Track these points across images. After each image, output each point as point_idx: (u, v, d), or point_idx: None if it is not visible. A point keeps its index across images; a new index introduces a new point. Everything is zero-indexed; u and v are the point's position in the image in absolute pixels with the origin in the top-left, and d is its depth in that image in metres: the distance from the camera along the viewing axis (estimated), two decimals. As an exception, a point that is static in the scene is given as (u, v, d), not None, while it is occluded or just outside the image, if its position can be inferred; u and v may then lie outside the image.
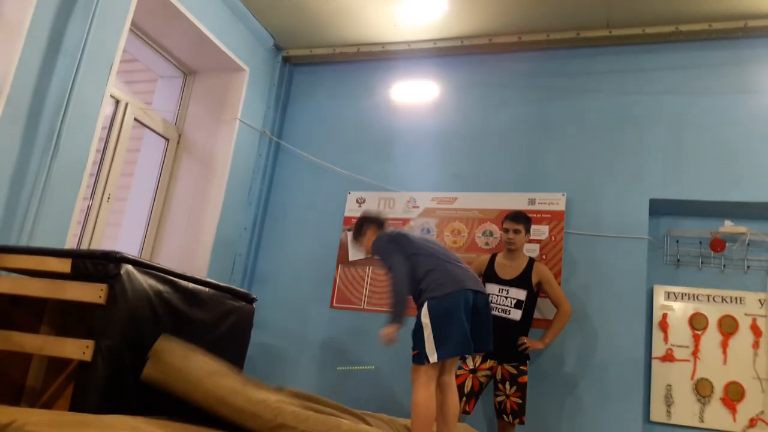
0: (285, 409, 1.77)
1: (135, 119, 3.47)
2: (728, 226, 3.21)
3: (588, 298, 3.20)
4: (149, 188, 3.74)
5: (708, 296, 3.22)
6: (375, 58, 4.09)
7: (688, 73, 3.41)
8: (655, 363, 3.20)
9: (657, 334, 3.24)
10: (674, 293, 3.28)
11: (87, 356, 1.86)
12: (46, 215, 2.56)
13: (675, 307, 3.26)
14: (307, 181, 4.03)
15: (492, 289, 2.99)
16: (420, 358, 2.20)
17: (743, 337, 3.12)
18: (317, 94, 4.23)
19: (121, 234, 3.73)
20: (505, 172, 3.59)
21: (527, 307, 2.97)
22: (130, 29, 3.23)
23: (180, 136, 3.88)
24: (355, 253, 3.76)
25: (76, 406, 1.84)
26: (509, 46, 3.77)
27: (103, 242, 3.22)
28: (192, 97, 3.96)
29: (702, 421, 3.06)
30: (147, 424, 1.65)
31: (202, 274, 3.28)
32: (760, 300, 3.14)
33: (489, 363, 2.91)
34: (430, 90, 3.94)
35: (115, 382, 1.91)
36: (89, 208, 3.16)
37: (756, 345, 3.09)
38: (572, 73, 3.63)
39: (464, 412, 2.87)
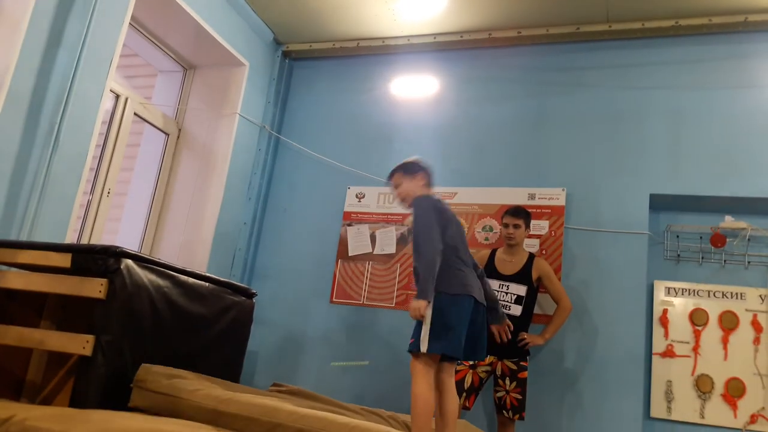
0: (281, 408, 1.77)
1: (135, 114, 3.46)
2: (729, 221, 3.21)
3: (588, 293, 3.20)
4: (149, 183, 3.73)
5: (708, 292, 3.22)
6: (375, 53, 4.07)
7: (688, 67, 3.39)
8: (655, 359, 3.20)
9: (657, 330, 3.24)
10: (674, 289, 3.28)
11: (87, 351, 1.86)
12: (46, 210, 2.56)
13: (675, 302, 3.26)
14: (307, 176, 4.03)
15: (492, 284, 2.97)
16: (414, 346, 2.17)
17: (744, 332, 3.11)
18: (317, 89, 4.22)
19: (121, 229, 3.73)
20: (504, 167, 3.58)
21: (527, 302, 2.97)
22: (130, 24, 3.22)
23: (180, 130, 3.88)
24: (355, 247, 3.76)
25: (76, 401, 1.85)
26: (509, 41, 3.76)
27: (103, 237, 3.22)
28: (192, 91, 3.95)
29: (702, 418, 3.06)
30: (147, 419, 1.65)
31: (201, 269, 3.28)
32: (760, 296, 3.14)
33: (489, 359, 2.91)
34: (429, 85, 3.93)
35: (115, 377, 1.91)
36: (89, 202, 3.16)
37: (757, 341, 3.09)
38: (572, 67, 3.62)
39: (464, 407, 2.87)
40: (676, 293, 3.27)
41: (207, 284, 2.40)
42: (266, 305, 3.68)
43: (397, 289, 3.59)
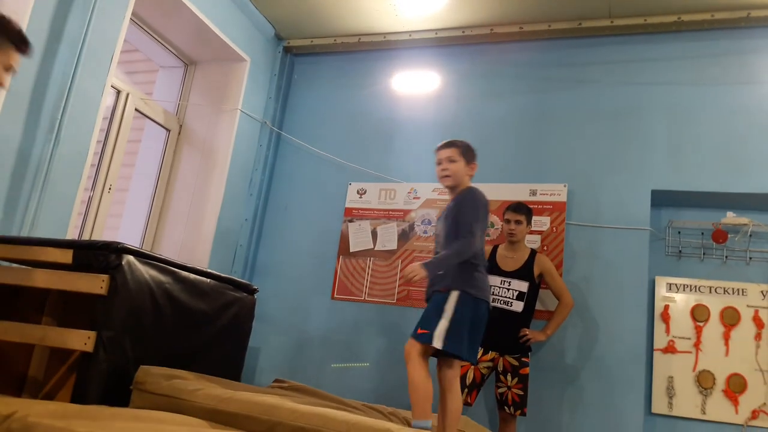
0: (281, 406, 1.77)
1: (136, 110, 3.46)
2: (730, 217, 3.20)
3: (589, 289, 3.20)
4: (150, 179, 3.73)
5: (710, 288, 3.22)
6: (376, 49, 4.06)
7: (691, 63, 3.38)
8: (656, 355, 3.20)
9: (659, 326, 3.24)
10: (676, 285, 3.27)
11: (89, 347, 1.86)
12: (47, 206, 2.56)
13: (677, 298, 3.26)
14: (308, 172, 4.03)
15: (494, 280, 2.98)
16: (426, 337, 2.10)
17: (745, 328, 3.11)
18: (318, 85, 4.21)
19: (122, 225, 3.73)
20: (506, 163, 3.57)
21: (529, 298, 2.97)
22: (131, 19, 3.21)
23: (181, 126, 3.87)
24: (356, 244, 3.76)
25: (77, 397, 1.85)
26: (510, 36, 3.75)
27: (104, 233, 3.22)
28: (193, 87, 3.94)
29: (704, 413, 3.06)
30: (149, 415, 1.66)
31: (203, 265, 3.28)
32: (762, 291, 3.13)
33: (491, 354, 2.92)
34: (431, 80, 3.92)
35: (117, 373, 1.91)
36: (90, 199, 3.16)
37: (758, 337, 3.08)
38: (574, 63, 3.61)
39: (466, 403, 2.87)
40: (678, 289, 3.27)
41: (208, 280, 2.41)
42: (267, 302, 3.69)
43: (399, 285, 3.59)
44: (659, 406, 3.14)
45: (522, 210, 3.06)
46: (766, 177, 3.09)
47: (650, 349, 3.20)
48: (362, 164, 3.86)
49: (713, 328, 3.16)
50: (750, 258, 3.20)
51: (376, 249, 3.71)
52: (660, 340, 3.22)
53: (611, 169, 3.36)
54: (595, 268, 3.22)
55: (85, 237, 3.10)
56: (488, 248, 3.16)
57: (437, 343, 2.09)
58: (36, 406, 1.55)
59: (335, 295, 3.70)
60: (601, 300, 3.17)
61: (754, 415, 2.99)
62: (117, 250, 2.00)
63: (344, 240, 3.79)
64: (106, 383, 1.88)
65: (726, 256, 3.24)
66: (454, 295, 2.15)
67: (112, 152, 3.27)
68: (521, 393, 2.86)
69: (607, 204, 3.32)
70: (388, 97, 3.98)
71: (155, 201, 3.71)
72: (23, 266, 2.21)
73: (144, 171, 3.79)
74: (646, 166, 3.30)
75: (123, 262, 1.99)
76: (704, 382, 3.10)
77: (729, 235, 3.22)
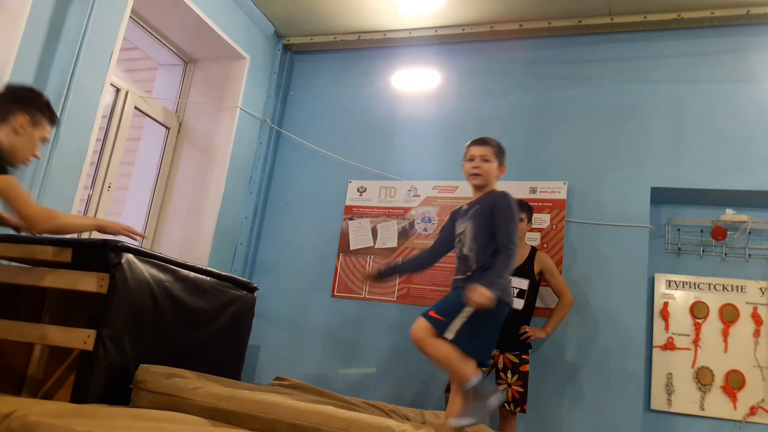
0: (281, 404, 1.77)
1: (135, 108, 3.46)
2: (730, 214, 3.20)
3: (589, 286, 3.20)
4: (150, 177, 3.73)
5: (709, 285, 3.22)
6: (376, 46, 4.06)
7: (690, 60, 3.38)
8: (656, 351, 3.21)
9: (658, 323, 3.24)
10: (675, 282, 3.28)
11: (88, 345, 1.86)
12: (46, 204, 2.56)
13: (676, 295, 3.26)
14: (308, 170, 4.03)
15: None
16: (440, 325, 2.03)
17: (744, 325, 3.11)
18: (318, 83, 4.21)
19: (123, 222, 3.73)
20: (506, 160, 3.57)
21: (529, 296, 2.97)
22: (130, 17, 3.21)
23: (180, 124, 3.87)
24: (356, 241, 3.76)
25: (77, 396, 1.85)
26: (511, 34, 3.74)
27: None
28: (192, 85, 3.94)
29: (702, 409, 3.07)
30: (149, 414, 1.66)
31: (203, 263, 3.28)
32: (761, 288, 3.14)
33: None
34: (431, 78, 3.91)
35: (117, 372, 1.92)
36: (90, 197, 3.16)
37: (757, 333, 3.09)
38: (574, 60, 3.61)
39: (465, 400, 2.88)
40: (677, 286, 3.27)
41: (208, 278, 2.41)
42: (268, 299, 3.69)
43: (399, 283, 3.59)
44: (658, 402, 3.15)
45: (522, 208, 3.06)
46: (765, 174, 3.09)
47: (649, 346, 3.21)
48: (362, 162, 3.86)
49: (712, 325, 3.16)
50: (749, 255, 3.20)
51: (376, 247, 3.71)
52: (659, 337, 3.22)
53: (611, 167, 3.36)
54: (595, 265, 3.23)
55: (85, 236, 3.10)
56: (488, 246, 3.17)
57: (449, 334, 2.02)
58: (35, 405, 1.55)
59: (335, 293, 3.71)
60: (601, 297, 3.17)
61: (753, 411, 3.00)
62: (116, 248, 2.00)
63: (344, 238, 3.79)
64: (106, 382, 1.88)
65: (725, 254, 3.24)
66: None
67: (111, 150, 3.27)
68: (521, 390, 2.86)
69: (607, 201, 3.32)
70: (388, 95, 3.97)
71: (155, 199, 3.71)
72: (22, 265, 2.21)
73: (143, 169, 3.79)
74: (646, 163, 3.30)
75: (122, 261, 1.99)
76: (703, 378, 3.10)
77: (728, 233, 3.22)
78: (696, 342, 3.17)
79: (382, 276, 2.48)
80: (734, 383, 3.05)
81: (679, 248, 3.33)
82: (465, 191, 3.63)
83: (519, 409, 2.86)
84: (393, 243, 3.69)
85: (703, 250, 3.28)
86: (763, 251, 3.19)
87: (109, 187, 3.23)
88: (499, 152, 2.36)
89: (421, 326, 2.07)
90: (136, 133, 3.86)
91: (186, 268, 2.31)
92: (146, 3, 3.29)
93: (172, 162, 3.80)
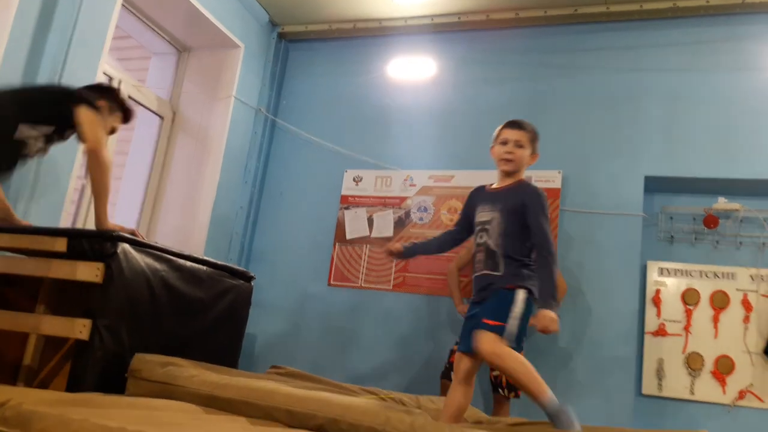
0: (277, 391, 1.78)
1: (129, 97, 3.44)
2: (722, 202, 3.23)
3: (582, 274, 3.23)
4: (144, 167, 3.72)
5: (701, 272, 3.25)
6: (372, 35, 4.04)
7: (685, 49, 3.38)
8: (647, 338, 3.25)
9: (650, 310, 3.28)
10: (668, 269, 3.31)
11: (84, 335, 1.87)
12: (40, 194, 2.56)
13: (668, 282, 3.29)
14: (304, 159, 4.02)
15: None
16: (501, 329, 1.95)
17: (734, 311, 3.15)
18: (313, 71, 4.19)
19: (117, 213, 3.73)
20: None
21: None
22: (123, 5, 3.18)
23: (174, 114, 3.86)
24: (353, 231, 3.78)
25: (73, 385, 1.86)
26: (507, 23, 3.73)
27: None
28: (186, 74, 3.92)
29: (692, 394, 3.12)
30: (145, 403, 1.67)
31: (198, 253, 3.28)
32: (751, 275, 3.17)
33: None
34: (427, 67, 3.90)
35: (113, 361, 1.93)
36: (83, 186, 3.15)
37: (746, 319, 3.13)
38: (569, 49, 3.60)
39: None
40: (669, 273, 3.30)
41: (205, 268, 2.41)
42: (264, 289, 3.70)
43: (395, 272, 3.61)
44: (649, 387, 3.19)
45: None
46: (757, 163, 3.11)
47: (641, 332, 3.25)
48: (358, 151, 3.86)
49: (703, 312, 3.20)
50: (740, 242, 3.23)
51: (372, 236, 3.73)
52: (651, 324, 3.26)
53: (605, 156, 3.37)
54: (589, 253, 3.25)
55: (79, 225, 3.10)
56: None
57: (509, 338, 1.96)
58: (31, 394, 1.56)
59: (331, 282, 3.73)
60: (594, 284, 3.20)
61: (741, 395, 3.05)
62: (112, 238, 2.01)
63: (340, 227, 3.80)
64: (102, 371, 1.89)
65: (717, 241, 3.27)
66: (521, 294, 2.01)
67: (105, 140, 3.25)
68: (515, 376, 2.89)
69: (601, 190, 3.33)
70: (384, 84, 3.96)
71: (149, 189, 3.71)
72: (17, 255, 2.21)
73: (138, 159, 3.78)
74: (640, 152, 3.31)
75: (118, 250, 1.99)
76: (693, 363, 3.15)
77: (720, 221, 3.25)
78: (687, 328, 3.20)
79: (406, 254, 2.37)
80: (724, 368, 3.10)
81: (672, 236, 3.36)
82: (460, 180, 3.64)
83: (513, 394, 2.90)
84: (389, 232, 3.70)
85: (695, 238, 3.31)
86: (753, 239, 3.22)
87: (104, 176, 3.22)
88: (534, 138, 2.21)
89: (485, 338, 1.95)
90: (130, 123, 3.84)
91: (182, 257, 2.31)
92: (139, -9, 3.27)
93: (166, 151, 3.79)
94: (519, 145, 2.17)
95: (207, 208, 3.63)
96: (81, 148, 2.51)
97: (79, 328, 1.88)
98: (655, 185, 3.32)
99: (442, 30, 3.88)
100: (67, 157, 2.71)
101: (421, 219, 3.66)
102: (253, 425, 1.62)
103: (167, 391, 1.81)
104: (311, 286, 3.74)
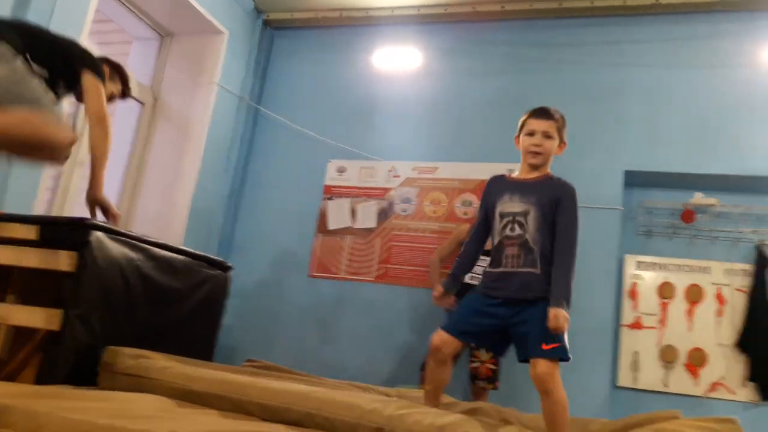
0: (251, 384, 1.77)
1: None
2: (699, 197, 3.27)
3: (561, 267, 3.25)
4: (123, 153, 3.67)
5: (677, 266, 3.30)
6: (358, 24, 4.00)
7: (666, 46, 3.40)
8: (623, 330, 3.29)
9: (626, 303, 3.32)
10: (645, 263, 3.35)
11: (55, 326, 1.84)
12: (13, 179, 2.52)
13: (645, 276, 3.34)
14: (287, 149, 3.99)
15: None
16: (564, 352, 1.89)
17: (708, 305, 3.21)
18: (298, 60, 4.15)
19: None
20: (485, 142, 3.58)
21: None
22: (102, -12, 3.12)
23: (156, 100, 3.80)
24: (335, 221, 3.77)
25: (43, 378, 1.83)
26: (493, 15, 3.72)
27: (75, 209, 3.18)
28: (168, 60, 3.86)
29: (666, 386, 3.17)
30: (117, 396, 1.66)
31: (178, 243, 3.26)
32: (725, 270, 3.22)
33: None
34: (412, 57, 3.88)
35: (85, 353, 1.90)
36: (61, 173, 3.11)
37: (720, 313, 3.18)
38: (554, 44, 3.60)
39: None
40: (646, 267, 3.34)
41: (181, 257, 2.39)
42: (244, 279, 3.68)
43: (377, 263, 3.62)
44: (625, 379, 3.24)
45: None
46: (734, 159, 3.15)
47: (617, 325, 3.29)
48: (342, 141, 3.84)
49: (678, 305, 3.25)
50: (715, 237, 3.28)
51: (355, 227, 3.72)
52: (627, 316, 3.30)
53: (586, 150, 3.39)
54: (568, 246, 3.27)
55: (56, 213, 3.06)
56: (465, 227, 3.19)
57: (568, 355, 1.91)
58: (-2, 387, 1.54)
59: (313, 273, 3.72)
60: (573, 277, 3.22)
61: (713, 387, 3.11)
62: (85, 226, 1.98)
63: (323, 217, 3.79)
64: (74, 363, 1.87)
65: (693, 236, 3.31)
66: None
67: (83, 126, 3.20)
68: (494, 368, 2.93)
69: (581, 184, 3.24)
70: (370, 74, 3.94)
71: (129, 176, 3.66)
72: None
73: (117, 145, 3.70)
74: (620, 146, 3.34)
75: (92, 239, 1.96)
76: (668, 356, 3.20)
77: (697, 215, 3.29)
78: (662, 321, 3.25)
79: (448, 289, 2.15)
80: (697, 361, 3.15)
81: (650, 230, 3.39)
82: (444, 172, 3.64)
83: (491, 385, 2.93)
84: (372, 223, 3.70)
85: (672, 232, 3.35)
86: (728, 234, 3.26)
87: (81, 163, 3.18)
88: (562, 126, 2.08)
89: (547, 366, 1.88)
90: (110, 108, 3.77)
91: (158, 246, 2.29)
92: (119, -26, 3.20)
93: (147, 138, 3.74)
94: (547, 135, 2.03)
95: (187, 197, 3.60)
96: (83, 112, 2.47)
97: (51, 319, 1.85)
98: (634, 180, 3.34)
99: (428, 21, 3.85)
100: (43, 144, 2.66)
101: (404, 210, 3.67)
102: (226, 418, 1.61)
103: (140, 384, 1.80)
104: (292, 277, 3.74)
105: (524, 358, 1.98)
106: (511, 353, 2.09)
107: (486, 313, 1.98)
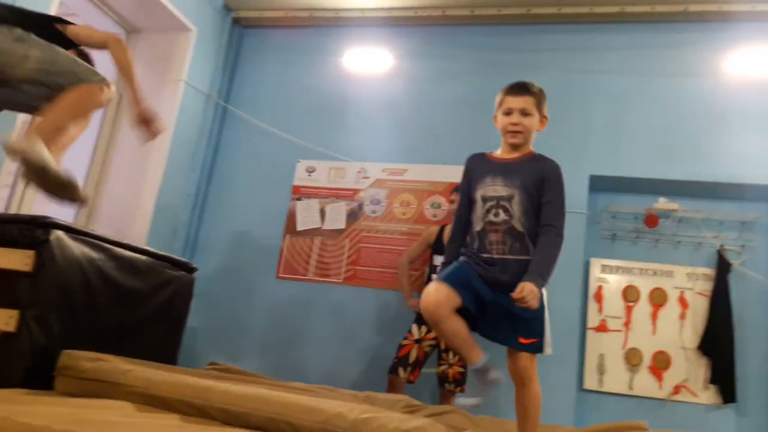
0: (213, 388, 1.73)
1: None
2: (662, 202, 3.36)
3: (529, 270, 3.29)
4: (86, 150, 3.56)
5: (641, 270, 3.38)
6: (328, 24, 3.99)
7: (631, 53, 3.49)
8: (589, 333, 3.35)
9: (592, 306, 3.38)
10: (609, 266, 3.42)
11: (10, 327, 1.78)
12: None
13: (610, 279, 3.41)
14: (256, 148, 3.94)
15: (439, 261, 3.02)
16: (540, 347, 1.86)
17: (671, 308, 3.29)
18: (268, 59, 4.11)
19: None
20: (454, 145, 3.60)
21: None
22: (65, -20, 3.02)
23: (121, 96, 3.70)
24: (304, 222, 3.73)
25: (-2, 380, 1.76)
26: (462, 19, 3.76)
27: (34, 207, 3.06)
28: (135, 56, 3.76)
29: (631, 389, 3.23)
30: (74, 400, 1.60)
31: (141, 242, 3.17)
32: (687, 274, 3.31)
33: (434, 333, 2.96)
34: (382, 59, 3.88)
35: (42, 355, 1.84)
36: (18, 169, 2.98)
37: (683, 316, 3.27)
38: (521, 49, 3.66)
39: (408, 381, 2.92)
40: (611, 270, 3.41)
41: (144, 258, 2.33)
42: (210, 280, 3.61)
43: (346, 265, 3.59)
44: (590, 382, 3.29)
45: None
46: (697, 166, 3.25)
47: (583, 328, 3.34)
48: (312, 142, 3.81)
49: (642, 308, 3.33)
50: (678, 242, 3.37)
51: (324, 228, 3.69)
52: (593, 320, 3.36)
53: (552, 154, 3.35)
54: (535, 249, 3.31)
55: (13, 211, 2.94)
56: (435, 229, 3.20)
57: (548, 349, 1.87)
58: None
59: (280, 274, 3.67)
60: (540, 281, 3.27)
61: (677, 390, 3.18)
62: (44, 224, 1.91)
63: (291, 218, 3.75)
64: (30, 366, 1.80)
65: (657, 240, 3.40)
66: (544, 294, 1.87)
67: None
68: (462, 370, 2.93)
69: None
70: (339, 75, 3.92)
71: (92, 174, 3.55)
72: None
73: (80, 142, 3.58)
74: (586, 152, 3.40)
75: (51, 238, 1.90)
76: (632, 359, 3.27)
77: (660, 220, 3.38)
78: (627, 324, 3.32)
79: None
80: (661, 364, 3.23)
81: (614, 234, 3.47)
82: (414, 174, 3.65)
83: (459, 388, 2.93)
84: (341, 224, 3.68)
85: (636, 237, 3.43)
86: (691, 238, 3.36)
87: (41, 160, 3.06)
88: (541, 101, 2.00)
89: (525, 360, 1.86)
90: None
91: (120, 246, 2.23)
92: (83, -34, 3.11)
93: (110, 135, 3.64)
94: (525, 113, 1.96)
95: (152, 196, 3.51)
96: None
97: (5, 320, 1.78)
98: (599, 184, 3.41)
99: (398, 23, 3.87)
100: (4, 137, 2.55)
101: (374, 212, 3.66)
102: (187, 423, 1.57)
103: (99, 388, 1.74)
104: (259, 279, 3.68)
105: (492, 336, 1.97)
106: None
107: (480, 279, 1.91)
